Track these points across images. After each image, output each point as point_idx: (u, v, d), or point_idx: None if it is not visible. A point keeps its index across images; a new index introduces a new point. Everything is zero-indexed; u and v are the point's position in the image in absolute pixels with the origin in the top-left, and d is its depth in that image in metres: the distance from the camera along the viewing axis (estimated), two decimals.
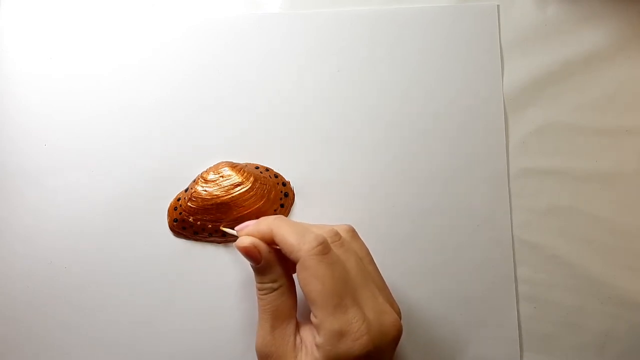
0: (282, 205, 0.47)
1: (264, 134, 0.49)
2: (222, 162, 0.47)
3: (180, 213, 0.46)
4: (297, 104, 0.49)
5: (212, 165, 0.47)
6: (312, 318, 0.36)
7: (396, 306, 0.40)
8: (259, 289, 0.39)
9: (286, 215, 0.47)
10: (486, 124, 0.49)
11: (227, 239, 0.47)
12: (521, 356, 0.46)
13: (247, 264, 0.46)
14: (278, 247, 0.39)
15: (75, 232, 0.47)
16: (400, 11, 0.50)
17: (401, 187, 0.48)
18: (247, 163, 0.48)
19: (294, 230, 0.38)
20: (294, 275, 0.40)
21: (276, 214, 0.47)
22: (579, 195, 0.49)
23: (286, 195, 0.47)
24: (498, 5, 0.50)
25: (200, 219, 0.46)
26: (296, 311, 0.40)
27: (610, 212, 0.48)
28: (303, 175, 0.48)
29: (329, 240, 0.38)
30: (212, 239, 0.47)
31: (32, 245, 0.47)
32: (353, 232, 0.41)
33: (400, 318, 0.38)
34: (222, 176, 0.46)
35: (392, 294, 0.41)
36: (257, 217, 0.46)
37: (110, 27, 0.50)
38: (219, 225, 0.46)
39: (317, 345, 0.35)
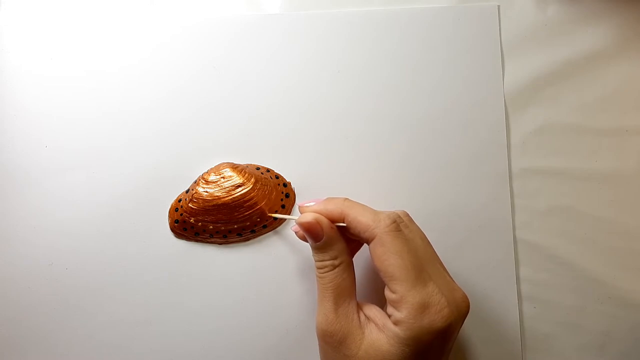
0: (283, 206, 0.47)
1: (265, 135, 0.49)
2: (223, 163, 0.47)
3: (182, 214, 0.46)
4: (298, 105, 0.49)
5: (213, 166, 0.47)
6: (390, 294, 0.36)
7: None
8: (320, 267, 0.39)
9: None
10: (487, 124, 0.49)
11: (228, 240, 0.47)
12: (522, 356, 0.47)
13: (248, 265, 0.47)
14: (339, 226, 0.40)
15: (76, 233, 0.47)
16: (401, 12, 0.50)
17: (402, 187, 0.48)
18: (248, 164, 0.48)
19: (366, 210, 0.39)
20: (355, 256, 0.42)
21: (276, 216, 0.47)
22: (579, 195, 0.49)
23: (287, 196, 0.47)
24: (498, 6, 0.50)
25: (201, 220, 0.46)
26: (355, 289, 0.39)
27: (610, 212, 0.48)
28: (304, 176, 0.48)
29: (399, 220, 0.38)
30: (213, 240, 0.47)
31: (32, 246, 0.47)
32: (409, 217, 0.41)
33: None
34: (223, 177, 0.46)
35: None
36: (258, 218, 0.46)
37: (110, 27, 0.50)
38: (220, 226, 0.46)
39: (397, 321, 0.35)
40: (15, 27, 0.50)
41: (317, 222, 0.39)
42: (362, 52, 0.50)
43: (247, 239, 0.47)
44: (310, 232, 0.39)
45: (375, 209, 0.47)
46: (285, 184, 0.48)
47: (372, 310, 0.38)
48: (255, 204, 0.46)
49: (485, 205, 0.48)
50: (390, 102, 0.49)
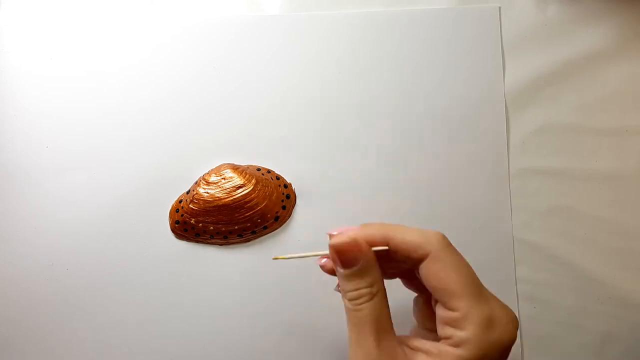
0: (283, 207, 0.47)
1: (266, 136, 0.49)
2: (224, 164, 0.47)
3: (182, 215, 0.46)
4: (299, 106, 0.49)
5: (214, 167, 0.47)
6: (449, 314, 0.33)
7: None
8: (355, 298, 0.34)
9: (287, 218, 0.47)
10: (487, 124, 0.49)
11: (228, 241, 0.47)
12: (522, 356, 0.47)
13: (249, 266, 0.47)
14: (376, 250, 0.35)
15: (77, 234, 0.47)
16: (401, 13, 0.50)
17: (403, 188, 0.48)
18: (249, 165, 0.48)
19: (410, 229, 0.35)
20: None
21: (277, 215, 0.47)
22: (579, 195, 0.49)
23: (288, 197, 0.47)
24: (499, 7, 0.50)
25: (202, 221, 0.46)
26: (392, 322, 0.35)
27: (610, 212, 0.48)
28: (305, 177, 0.48)
29: (445, 242, 0.35)
30: (213, 241, 0.47)
31: (33, 246, 0.47)
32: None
33: None
34: (224, 178, 0.46)
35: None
36: (259, 219, 0.46)
37: (110, 27, 0.50)
38: (221, 227, 0.46)
39: (461, 341, 0.32)
40: (15, 27, 0.50)
41: (355, 242, 0.34)
42: (362, 54, 0.50)
43: (248, 240, 0.47)
44: (346, 255, 0.34)
45: (375, 208, 0.48)
46: (286, 185, 0.48)
47: (416, 341, 0.34)
48: (256, 205, 0.46)
49: (485, 205, 0.48)
50: (391, 103, 0.49)
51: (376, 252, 0.35)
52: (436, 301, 0.35)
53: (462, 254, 0.35)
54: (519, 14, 0.51)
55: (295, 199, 0.48)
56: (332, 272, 0.37)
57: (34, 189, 0.48)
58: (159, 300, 0.47)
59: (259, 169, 0.48)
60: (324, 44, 0.50)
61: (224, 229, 0.46)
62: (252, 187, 0.46)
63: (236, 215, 0.46)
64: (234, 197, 0.45)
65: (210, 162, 0.48)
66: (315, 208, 0.48)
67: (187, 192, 0.47)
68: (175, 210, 0.47)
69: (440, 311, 0.34)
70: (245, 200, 0.45)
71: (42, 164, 0.48)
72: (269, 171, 0.48)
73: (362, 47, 0.50)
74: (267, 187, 0.46)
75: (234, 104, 0.49)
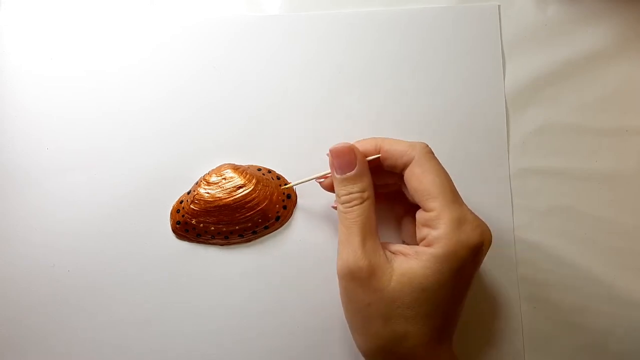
0: (284, 207, 0.47)
1: (267, 136, 0.49)
2: (225, 164, 0.47)
3: (183, 215, 0.46)
4: (299, 105, 0.49)
5: (214, 167, 0.47)
6: (425, 214, 0.37)
7: None
8: (348, 201, 0.39)
9: (288, 218, 0.47)
10: (488, 124, 0.49)
11: (229, 242, 0.47)
12: (522, 356, 0.47)
13: (250, 266, 0.47)
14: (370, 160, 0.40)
15: (77, 234, 0.47)
16: (401, 12, 0.50)
17: None
18: (250, 165, 0.48)
19: (399, 140, 0.40)
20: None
21: (278, 215, 0.47)
22: (579, 195, 0.49)
23: (288, 197, 0.47)
24: (499, 6, 0.50)
25: (202, 221, 0.46)
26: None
27: (610, 212, 0.48)
28: (304, 177, 0.47)
29: (427, 149, 0.39)
30: (214, 241, 0.47)
31: (33, 247, 0.47)
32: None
33: None
34: (224, 178, 0.46)
35: None
36: (260, 219, 0.46)
37: (110, 27, 0.50)
38: (222, 228, 0.46)
39: (434, 239, 0.36)
40: (15, 28, 0.50)
41: (352, 148, 0.39)
42: (362, 53, 0.50)
43: (249, 240, 0.47)
44: (343, 160, 0.39)
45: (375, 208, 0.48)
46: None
47: (397, 246, 0.39)
48: (257, 205, 0.46)
49: (486, 205, 0.48)
50: (391, 103, 0.49)
51: (369, 161, 0.40)
52: (416, 211, 0.39)
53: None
54: (519, 14, 0.51)
55: (296, 199, 0.48)
56: (328, 189, 0.43)
57: (34, 189, 0.48)
58: (160, 301, 0.47)
59: (259, 169, 0.48)
60: (324, 44, 0.50)
61: (225, 229, 0.46)
62: (252, 187, 0.46)
63: (237, 215, 0.46)
64: (235, 197, 0.45)
65: (211, 162, 0.48)
66: (316, 208, 0.48)
67: (188, 193, 0.47)
68: (176, 210, 0.47)
69: (419, 215, 0.38)
70: (246, 200, 0.45)
71: (42, 164, 0.48)
72: (269, 171, 0.48)
73: (362, 47, 0.50)
74: (268, 187, 0.46)
75: (234, 104, 0.49)
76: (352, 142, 0.41)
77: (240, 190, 0.45)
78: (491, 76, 0.50)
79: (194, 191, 0.46)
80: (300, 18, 0.50)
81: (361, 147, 0.40)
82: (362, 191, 0.39)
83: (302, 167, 0.48)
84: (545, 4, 0.51)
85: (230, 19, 0.50)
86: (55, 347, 0.46)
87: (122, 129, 0.49)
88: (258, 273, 0.47)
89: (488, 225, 0.38)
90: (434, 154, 0.39)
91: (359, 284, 0.37)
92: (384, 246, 0.39)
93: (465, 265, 0.36)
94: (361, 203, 0.38)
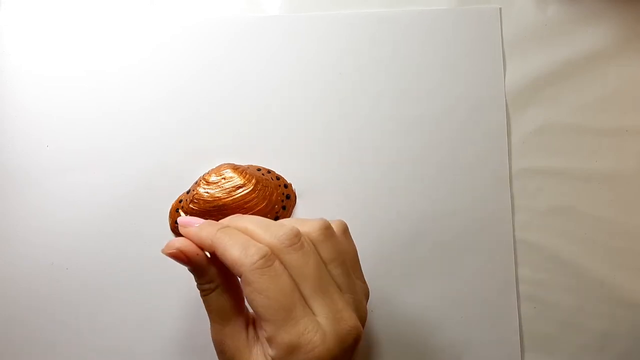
0: (283, 207, 0.47)
1: (266, 136, 0.49)
2: (224, 164, 0.47)
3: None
4: (299, 106, 0.49)
5: (214, 167, 0.47)
6: (263, 332, 0.35)
7: (363, 307, 0.38)
8: (199, 289, 0.38)
9: (288, 217, 0.47)
10: (488, 125, 0.49)
11: None
12: (522, 357, 0.47)
13: None
14: None
15: (77, 234, 0.47)
16: (402, 14, 0.50)
17: (403, 188, 0.48)
18: (249, 165, 0.48)
19: (236, 242, 0.35)
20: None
21: (277, 215, 0.47)
22: (579, 195, 0.49)
23: (288, 197, 0.47)
24: (500, 8, 0.50)
25: None
26: (243, 306, 0.38)
27: (610, 212, 0.48)
28: (305, 178, 0.48)
29: (287, 244, 0.35)
30: None
31: (33, 246, 0.47)
32: (329, 230, 0.38)
33: (364, 321, 0.38)
34: (224, 178, 0.46)
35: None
36: None
37: (110, 27, 0.50)
38: None
39: (271, 357, 0.34)
40: (15, 28, 0.50)
41: (180, 252, 0.36)
42: (363, 54, 0.50)
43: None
44: (177, 261, 0.37)
45: (376, 209, 0.48)
46: (286, 185, 0.48)
47: (262, 331, 0.36)
48: (256, 205, 0.46)
49: (486, 206, 0.48)
50: (391, 104, 0.49)
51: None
52: None
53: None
54: (519, 14, 0.51)
55: (296, 199, 0.48)
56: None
57: (34, 189, 0.48)
58: (159, 300, 0.47)
59: (259, 169, 0.48)
60: (324, 44, 0.50)
61: None
62: (252, 187, 0.46)
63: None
64: (234, 197, 0.45)
65: (210, 162, 0.48)
66: (315, 208, 0.48)
67: (187, 192, 0.47)
68: (175, 210, 0.47)
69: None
70: (245, 200, 0.45)
71: (42, 164, 0.48)
72: (269, 171, 0.48)
73: (362, 47, 0.50)
74: (267, 187, 0.46)
75: (234, 104, 0.49)
76: (199, 225, 0.38)
77: (240, 190, 0.45)
78: (491, 77, 0.50)
79: (194, 191, 0.46)
80: (300, 18, 0.50)
81: (197, 238, 0.37)
82: (208, 282, 0.37)
83: (302, 167, 0.48)
84: (545, 4, 0.51)
85: (230, 19, 0.50)
86: (55, 347, 0.46)
87: (121, 128, 0.49)
88: None
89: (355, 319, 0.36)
90: (268, 265, 0.34)
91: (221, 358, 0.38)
92: (255, 320, 0.38)
93: None
94: (210, 293, 0.37)
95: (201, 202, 0.46)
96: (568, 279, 0.48)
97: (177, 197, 0.47)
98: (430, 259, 0.48)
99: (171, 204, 0.47)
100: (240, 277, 0.35)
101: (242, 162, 0.48)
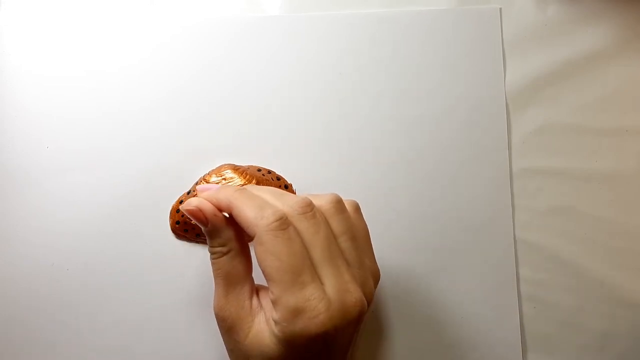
0: None
1: (267, 136, 0.49)
2: (225, 165, 0.47)
3: (183, 215, 0.46)
4: (299, 106, 0.49)
5: (214, 168, 0.47)
6: (269, 294, 0.35)
7: (369, 285, 0.38)
8: (210, 252, 0.39)
9: None
10: (488, 125, 0.49)
11: None
12: (522, 357, 0.47)
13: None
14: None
15: (77, 234, 0.47)
16: (402, 14, 0.50)
17: (404, 188, 0.48)
18: (250, 165, 0.48)
19: (253, 204, 0.36)
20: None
21: None
22: (579, 195, 0.49)
23: None
24: (500, 9, 0.50)
25: None
26: (251, 274, 0.39)
27: (610, 212, 0.48)
28: (305, 178, 0.47)
29: (299, 211, 0.36)
30: None
31: (33, 246, 0.47)
32: (340, 204, 0.38)
33: (370, 299, 0.37)
34: (224, 178, 0.46)
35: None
36: None
37: (110, 27, 0.50)
38: None
39: (275, 321, 0.34)
40: (15, 28, 0.50)
41: (199, 210, 0.38)
42: (363, 54, 0.50)
43: (248, 241, 0.47)
44: (195, 219, 0.38)
45: (376, 209, 0.48)
46: (287, 186, 0.48)
47: (266, 299, 0.37)
48: None
49: (486, 205, 0.48)
50: (392, 104, 0.49)
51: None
52: None
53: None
54: (519, 14, 0.51)
55: None
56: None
57: (34, 189, 0.48)
58: (159, 301, 0.47)
59: (259, 170, 0.47)
60: (324, 45, 0.50)
61: None
62: None
63: None
64: None
65: (211, 162, 0.48)
66: None
67: (188, 193, 0.47)
68: (175, 210, 0.47)
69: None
70: None
71: (42, 164, 0.48)
72: (269, 172, 0.48)
73: (363, 47, 0.50)
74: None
75: (234, 104, 0.49)
76: (215, 189, 0.39)
77: None
78: (491, 77, 0.50)
79: (194, 191, 0.46)
80: (300, 18, 0.50)
81: (214, 199, 0.38)
82: (222, 245, 0.38)
83: (302, 167, 0.48)
84: (545, 4, 0.51)
85: (230, 19, 0.50)
86: (55, 347, 0.46)
87: (122, 129, 0.49)
88: (257, 273, 0.47)
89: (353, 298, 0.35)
90: (284, 228, 0.35)
91: (223, 330, 0.38)
92: (259, 291, 0.38)
93: (310, 352, 0.34)
94: (221, 257, 0.38)
95: None
96: (568, 279, 0.48)
97: (177, 197, 0.47)
98: (430, 258, 0.48)
99: (171, 204, 0.47)
100: (253, 238, 0.35)
101: (243, 162, 0.48)
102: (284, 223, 0.35)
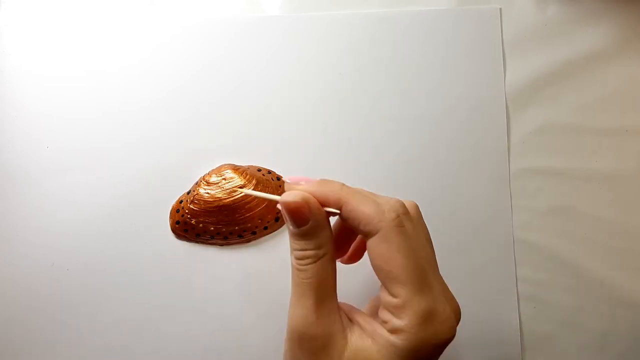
0: None
1: (266, 136, 0.49)
2: (225, 165, 0.47)
3: (183, 215, 0.46)
4: (299, 106, 0.49)
5: (214, 168, 0.47)
6: (389, 298, 0.31)
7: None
8: (300, 258, 0.33)
9: None
10: (488, 125, 0.49)
11: (229, 242, 0.47)
12: (522, 356, 0.47)
13: (249, 266, 0.47)
14: (329, 212, 0.34)
15: (77, 234, 0.47)
16: (402, 14, 0.50)
17: (403, 188, 0.48)
18: (250, 165, 0.48)
19: (367, 199, 0.32)
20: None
21: (278, 216, 0.47)
22: (579, 195, 0.49)
23: None
24: (500, 8, 0.50)
25: (202, 222, 0.46)
26: (336, 288, 0.34)
27: (610, 212, 0.48)
28: (301, 180, 0.47)
29: (402, 211, 0.33)
30: (214, 241, 0.47)
31: (33, 247, 0.47)
32: (419, 211, 0.35)
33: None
34: (224, 178, 0.46)
35: None
36: (259, 220, 0.46)
37: (111, 27, 0.50)
38: (221, 228, 0.46)
39: (396, 329, 0.30)
40: (15, 28, 0.50)
41: (306, 203, 0.32)
42: (362, 54, 0.50)
43: (248, 241, 0.47)
44: (295, 215, 0.33)
45: None
46: None
47: (357, 314, 0.34)
48: (256, 205, 0.46)
49: (485, 205, 0.48)
50: (392, 104, 0.49)
51: (328, 212, 0.34)
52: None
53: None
54: (519, 14, 0.51)
55: None
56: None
57: (34, 189, 0.48)
58: (159, 301, 0.47)
59: (259, 170, 0.48)
60: (324, 45, 0.50)
61: (224, 229, 0.46)
62: (252, 187, 0.46)
63: (236, 215, 0.46)
64: (235, 197, 0.45)
65: (211, 162, 0.48)
66: None
67: (188, 193, 0.47)
68: (175, 210, 0.47)
69: (382, 295, 0.32)
70: (246, 200, 0.45)
71: (42, 164, 0.48)
72: (269, 172, 0.48)
73: (362, 47, 0.50)
74: (268, 187, 0.46)
75: (235, 104, 0.49)
76: (313, 182, 0.35)
77: (240, 190, 0.45)
78: (491, 77, 0.50)
79: (194, 191, 0.46)
80: (300, 19, 0.50)
81: (321, 193, 0.33)
82: (318, 248, 0.33)
83: (302, 167, 0.48)
84: (545, 4, 0.51)
85: (230, 19, 0.50)
86: (55, 347, 0.46)
87: (121, 128, 0.49)
88: (257, 273, 0.47)
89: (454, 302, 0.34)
90: (404, 225, 0.32)
91: (308, 353, 0.32)
92: (344, 309, 0.34)
93: None
94: (315, 262, 0.33)
95: (202, 202, 0.46)
96: (568, 279, 0.48)
97: (178, 197, 0.47)
98: None
99: (171, 204, 0.47)
100: (372, 235, 0.31)
101: (243, 162, 0.48)
102: (402, 220, 0.32)
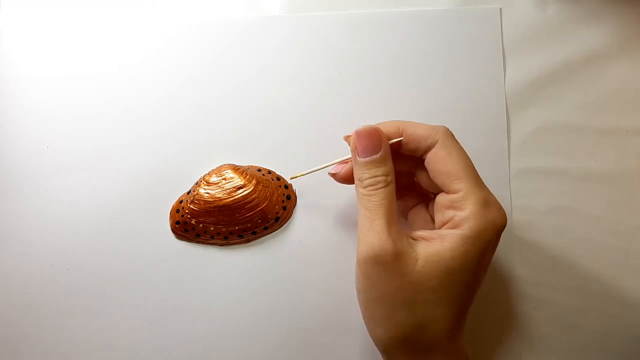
0: (284, 208, 0.47)
1: (267, 136, 0.49)
2: (225, 165, 0.47)
3: (183, 215, 0.46)
4: (300, 106, 0.49)
5: (214, 168, 0.47)
6: (451, 197, 0.37)
7: None
8: (372, 185, 0.38)
9: (288, 219, 0.47)
10: (488, 125, 0.49)
11: (229, 242, 0.47)
12: (522, 356, 0.47)
13: (249, 267, 0.47)
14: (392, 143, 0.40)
15: (77, 234, 0.47)
16: (402, 14, 0.50)
17: None
18: (250, 165, 0.48)
19: (420, 123, 0.40)
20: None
21: (278, 216, 0.47)
22: (579, 195, 0.49)
23: (288, 197, 0.47)
24: (500, 8, 0.50)
25: (202, 222, 0.46)
26: None
27: (610, 212, 0.48)
28: (305, 178, 0.47)
29: (445, 129, 0.39)
30: (214, 241, 0.47)
31: (33, 247, 0.47)
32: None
33: None
34: (224, 179, 0.46)
35: None
36: (259, 220, 0.46)
37: (112, 28, 0.50)
38: (221, 228, 0.46)
39: (461, 220, 0.36)
40: (16, 28, 0.50)
41: (378, 132, 0.39)
42: (363, 54, 0.50)
43: (248, 241, 0.47)
44: (370, 142, 0.38)
45: None
46: (287, 186, 0.48)
47: (416, 232, 0.38)
48: (257, 205, 0.46)
49: None
50: (392, 104, 0.49)
51: (390, 144, 0.39)
52: (433, 198, 0.40)
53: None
54: (519, 14, 0.51)
55: (296, 200, 0.48)
56: (342, 180, 0.43)
57: (34, 189, 0.48)
58: (159, 301, 0.47)
59: (259, 170, 0.48)
60: (324, 45, 0.50)
61: (224, 229, 0.46)
62: (252, 187, 0.46)
63: (237, 215, 0.46)
64: (235, 197, 0.45)
65: (211, 162, 0.48)
66: (315, 209, 0.48)
67: (188, 193, 0.47)
68: (175, 210, 0.47)
69: (441, 198, 0.38)
70: (246, 200, 0.45)
71: (43, 164, 0.48)
72: (269, 172, 0.48)
73: (362, 48, 0.50)
74: (268, 187, 0.46)
75: (235, 104, 0.49)
76: (374, 125, 0.40)
77: (240, 190, 0.45)
78: (492, 77, 0.50)
79: (194, 191, 0.46)
80: (300, 19, 0.50)
81: (384, 129, 0.39)
82: (387, 174, 0.38)
83: (302, 168, 0.48)
84: (545, 4, 0.51)
85: (230, 19, 0.50)
86: (55, 347, 0.46)
87: (122, 129, 0.49)
88: (257, 273, 0.47)
89: None
90: (455, 137, 0.39)
91: (383, 268, 0.36)
92: (404, 233, 0.39)
93: (490, 247, 0.36)
94: (386, 186, 0.38)
95: (202, 202, 0.46)
96: (568, 278, 0.48)
97: (178, 197, 0.47)
98: None
99: (171, 204, 0.47)
100: (431, 148, 0.38)
101: (243, 162, 0.48)
102: (453, 134, 0.39)
